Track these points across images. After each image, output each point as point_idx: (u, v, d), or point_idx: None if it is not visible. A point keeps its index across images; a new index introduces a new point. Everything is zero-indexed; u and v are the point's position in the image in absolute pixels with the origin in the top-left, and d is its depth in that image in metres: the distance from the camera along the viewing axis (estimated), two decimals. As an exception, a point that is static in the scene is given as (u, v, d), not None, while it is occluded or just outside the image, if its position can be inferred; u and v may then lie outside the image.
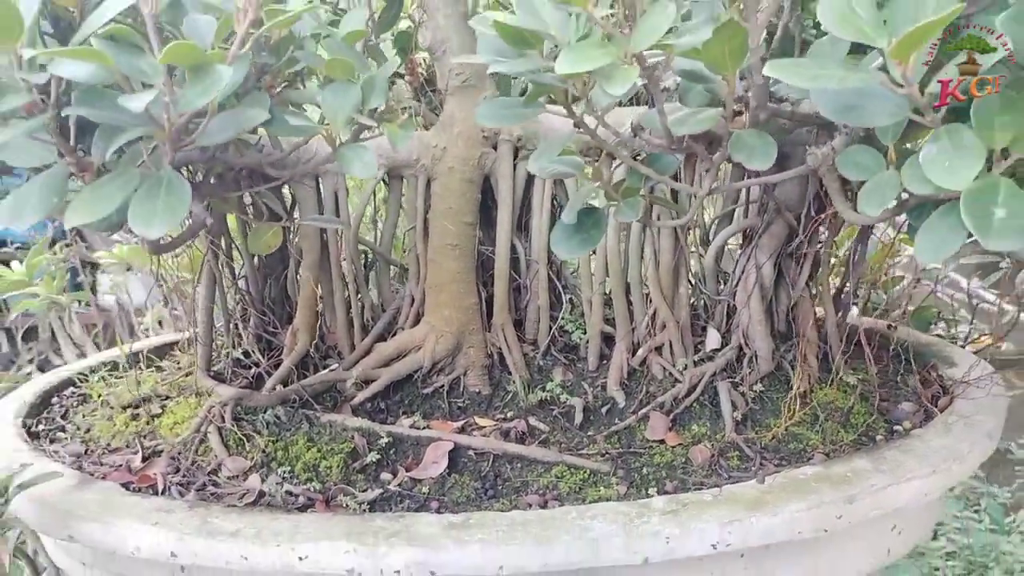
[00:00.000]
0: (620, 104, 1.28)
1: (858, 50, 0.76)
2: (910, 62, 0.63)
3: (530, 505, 0.99)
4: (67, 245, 2.96)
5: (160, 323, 2.62)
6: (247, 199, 1.26)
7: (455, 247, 1.30)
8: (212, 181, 0.97)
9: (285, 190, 1.31)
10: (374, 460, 1.10)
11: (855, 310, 1.50)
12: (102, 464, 1.13)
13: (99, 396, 1.35)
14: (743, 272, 1.28)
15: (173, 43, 0.63)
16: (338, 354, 1.34)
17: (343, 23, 0.87)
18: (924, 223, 0.69)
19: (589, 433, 1.16)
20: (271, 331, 1.38)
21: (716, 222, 1.37)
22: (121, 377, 1.42)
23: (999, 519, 2.70)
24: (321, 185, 1.28)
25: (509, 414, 1.22)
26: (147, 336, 2.49)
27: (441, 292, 1.30)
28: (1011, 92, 0.64)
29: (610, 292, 1.34)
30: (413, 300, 1.36)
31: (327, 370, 1.29)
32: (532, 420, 1.19)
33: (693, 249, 1.38)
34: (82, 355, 1.82)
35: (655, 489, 1.01)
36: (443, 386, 1.27)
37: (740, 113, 0.89)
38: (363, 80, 0.80)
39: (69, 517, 0.98)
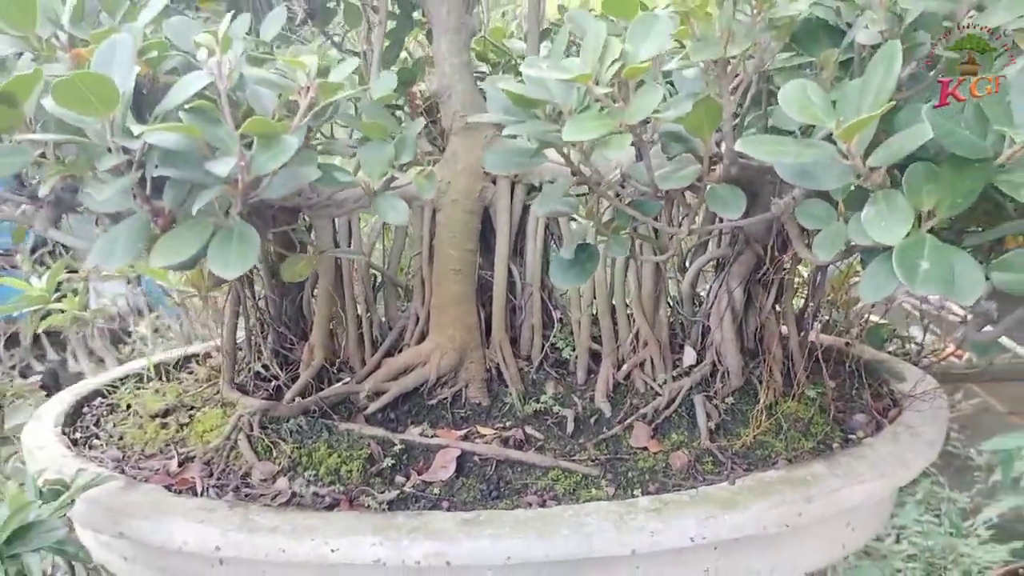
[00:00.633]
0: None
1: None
2: (854, 141, 0.77)
3: (530, 504, 1.13)
4: (49, 253, 3.06)
5: (156, 330, 2.74)
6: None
7: (458, 272, 1.43)
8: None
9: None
10: (389, 465, 1.23)
11: (817, 328, 1.65)
12: (141, 468, 1.26)
13: (128, 406, 1.47)
14: (716, 296, 1.43)
15: (252, 118, 0.76)
16: (350, 368, 1.47)
17: (374, 86, 1.00)
18: (867, 269, 0.83)
19: (580, 441, 1.30)
20: (287, 347, 1.51)
21: (692, 251, 1.51)
22: (145, 388, 1.54)
23: (958, 523, 2.86)
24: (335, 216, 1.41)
25: (508, 423, 1.35)
26: (142, 342, 2.60)
27: (445, 313, 1.44)
28: (933, 165, 0.79)
29: (597, 313, 1.48)
30: (418, 319, 1.49)
31: (341, 383, 1.42)
32: (528, 429, 1.32)
33: (671, 275, 1.52)
34: (101, 364, 1.93)
35: (640, 490, 1.15)
36: (447, 398, 1.41)
37: (714, 165, 1.04)
38: (396, 139, 0.94)
39: (120, 516, 1.10)
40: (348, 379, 1.43)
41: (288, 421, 1.31)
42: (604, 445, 1.28)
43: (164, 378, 1.59)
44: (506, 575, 1.03)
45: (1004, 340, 2.08)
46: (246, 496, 1.16)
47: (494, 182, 1.45)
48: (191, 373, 1.64)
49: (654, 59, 0.87)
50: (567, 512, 1.06)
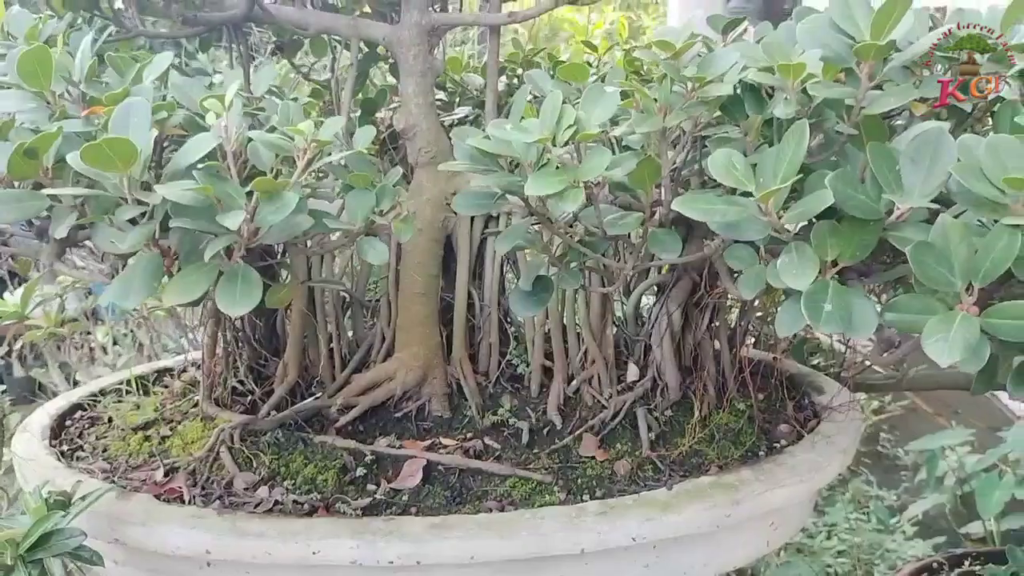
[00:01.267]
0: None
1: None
2: (770, 203, 0.92)
3: (491, 509, 1.26)
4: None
5: (114, 341, 2.80)
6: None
7: (422, 295, 1.56)
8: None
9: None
10: (362, 474, 1.35)
11: (748, 345, 1.81)
12: (129, 479, 1.35)
13: (109, 419, 1.56)
14: (657, 318, 1.58)
15: (258, 179, 0.88)
16: (321, 383, 1.59)
17: (357, 138, 1.12)
18: (781, 307, 0.98)
19: (534, 451, 1.43)
20: (262, 363, 1.62)
21: (635, 277, 1.66)
22: (124, 402, 1.64)
23: (885, 520, 3.06)
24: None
25: (468, 434, 1.48)
26: (102, 351, 2.67)
27: (410, 332, 1.56)
28: (836, 223, 0.94)
29: (549, 332, 1.62)
30: (384, 338, 1.61)
31: (314, 398, 1.53)
32: (487, 440, 1.45)
33: (617, 298, 1.67)
34: (74, 382, 2.00)
35: (588, 495, 1.29)
36: (412, 411, 1.53)
37: (656, 207, 1.18)
38: (377, 188, 1.07)
39: (117, 523, 1.20)
40: (320, 394, 1.54)
41: (266, 434, 1.42)
42: (556, 454, 1.41)
43: (141, 392, 1.68)
44: (471, 573, 1.16)
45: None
46: (231, 504, 1.27)
47: (456, 212, 1.58)
48: (167, 387, 1.73)
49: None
50: (524, 516, 1.19)
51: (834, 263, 0.96)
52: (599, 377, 1.57)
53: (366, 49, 1.68)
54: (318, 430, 1.47)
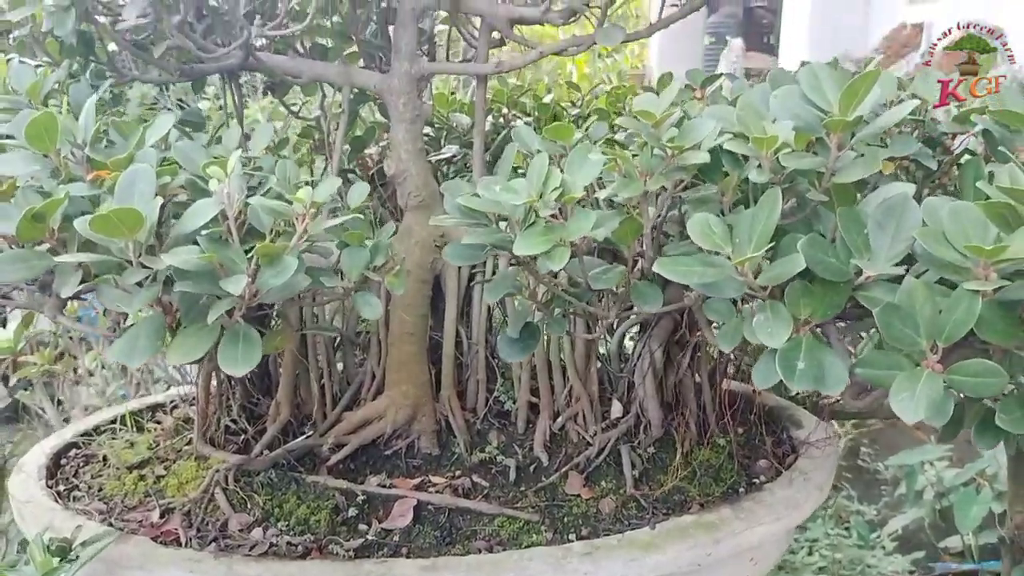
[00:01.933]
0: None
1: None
2: (746, 266, 0.97)
3: (480, 550, 1.30)
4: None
5: (102, 365, 2.82)
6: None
7: (411, 334, 1.60)
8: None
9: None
10: (353, 514, 1.39)
11: (727, 381, 1.86)
12: (126, 520, 1.39)
13: (104, 458, 1.59)
14: (639, 356, 1.63)
15: (260, 245, 0.92)
16: (312, 422, 1.62)
17: (351, 196, 1.17)
18: (758, 361, 1.03)
19: (521, 489, 1.47)
20: (254, 401, 1.65)
21: (616, 300, 1.71)
22: (117, 439, 1.67)
23: (865, 535, 3.11)
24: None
25: (457, 472, 1.52)
26: (89, 375, 2.69)
27: (400, 371, 1.60)
28: (808, 284, 0.99)
29: (535, 369, 1.66)
30: (374, 376, 1.65)
31: (305, 436, 1.57)
32: (476, 477, 1.50)
33: (601, 336, 1.72)
34: (57, 401, 2.03)
35: (574, 535, 1.34)
36: (401, 448, 1.57)
37: (637, 261, 1.23)
38: (371, 245, 1.11)
39: (115, 566, 1.24)
40: (311, 432, 1.58)
41: (259, 474, 1.45)
42: (543, 492, 1.46)
43: (135, 428, 1.71)
44: (461, 614, 1.20)
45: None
46: (227, 547, 1.30)
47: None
48: (159, 423, 1.76)
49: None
50: (512, 557, 1.24)
51: (806, 321, 1.01)
52: (584, 414, 1.62)
53: (356, 91, 1.72)
54: (310, 469, 1.51)
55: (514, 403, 1.66)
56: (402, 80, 1.54)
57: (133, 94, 1.81)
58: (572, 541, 1.30)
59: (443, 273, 1.63)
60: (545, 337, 1.65)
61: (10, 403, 3.02)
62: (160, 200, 0.95)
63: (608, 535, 1.31)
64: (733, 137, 1.04)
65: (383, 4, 1.78)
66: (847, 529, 3.11)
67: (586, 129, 1.33)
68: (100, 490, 1.50)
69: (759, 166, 1.01)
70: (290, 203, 1.00)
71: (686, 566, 1.26)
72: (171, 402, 1.84)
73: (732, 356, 1.85)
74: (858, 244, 0.99)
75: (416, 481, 1.49)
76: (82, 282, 1.04)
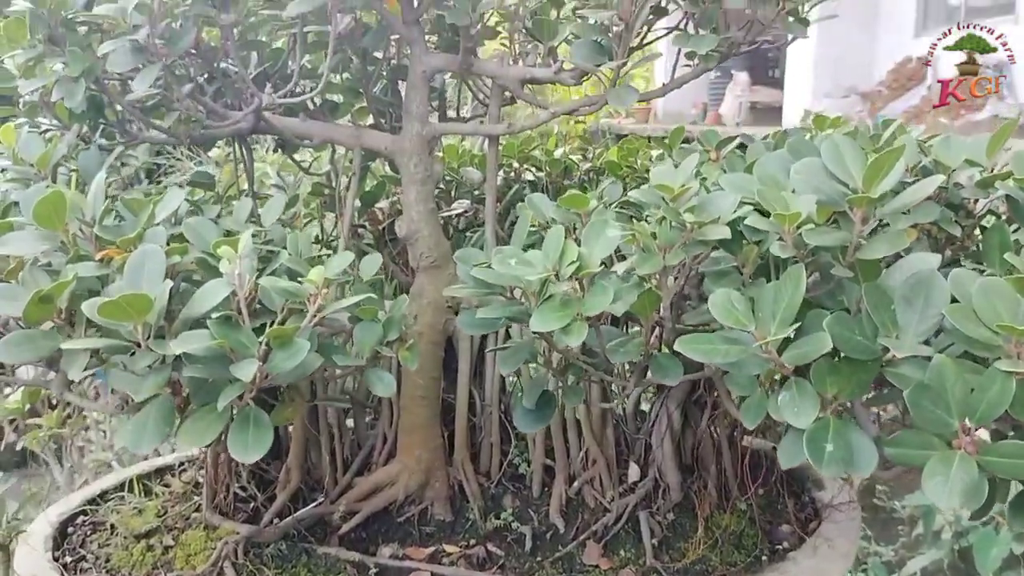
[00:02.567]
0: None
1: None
2: (769, 343, 0.94)
3: (497, 626, 1.26)
4: None
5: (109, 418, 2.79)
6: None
7: (423, 397, 1.57)
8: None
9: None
10: (366, 588, 1.35)
11: (749, 440, 1.83)
12: (133, 595, 1.35)
13: (111, 526, 1.56)
14: (657, 417, 1.60)
15: (271, 329, 0.90)
16: (323, 487, 1.59)
17: (363, 268, 1.15)
18: (783, 440, 1.00)
19: (538, 559, 1.43)
20: (263, 467, 1.62)
21: (634, 370, 1.68)
22: (125, 505, 1.63)
23: (884, 577, 3.03)
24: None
25: (471, 540, 1.49)
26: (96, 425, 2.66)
27: (412, 435, 1.57)
28: (834, 361, 0.96)
29: (550, 430, 1.63)
30: (386, 439, 1.62)
31: (315, 504, 1.53)
32: (490, 546, 1.46)
33: (617, 395, 1.68)
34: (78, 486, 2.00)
35: (594, 610, 1.30)
36: (414, 515, 1.54)
37: (656, 326, 1.21)
38: (384, 320, 1.09)
39: (122, 647, 1.20)
40: (322, 499, 1.55)
41: (269, 545, 1.42)
42: (560, 563, 1.42)
43: (142, 493, 1.68)
44: None
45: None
46: (236, 624, 1.27)
47: (456, 313, 1.60)
48: (167, 486, 1.73)
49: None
50: (530, 636, 1.20)
51: (834, 398, 0.98)
52: (601, 478, 1.58)
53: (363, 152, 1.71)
54: (321, 538, 1.48)
55: (529, 466, 1.63)
56: (413, 142, 1.52)
57: (140, 150, 1.80)
58: (592, 618, 1.27)
59: (456, 333, 1.61)
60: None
61: (18, 450, 2.99)
62: (169, 283, 0.93)
63: (629, 611, 1.27)
64: (753, 209, 1.02)
65: (393, 61, 1.78)
66: (864, 571, 3.05)
67: (600, 192, 1.31)
68: (108, 561, 1.47)
69: (780, 239, 0.98)
70: (302, 280, 0.98)
71: (710, 643, 1.22)
72: (179, 464, 1.81)
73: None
74: (885, 321, 0.96)
75: (430, 551, 1.46)
76: (91, 364, 1.02)
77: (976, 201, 1.22)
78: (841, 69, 9.34)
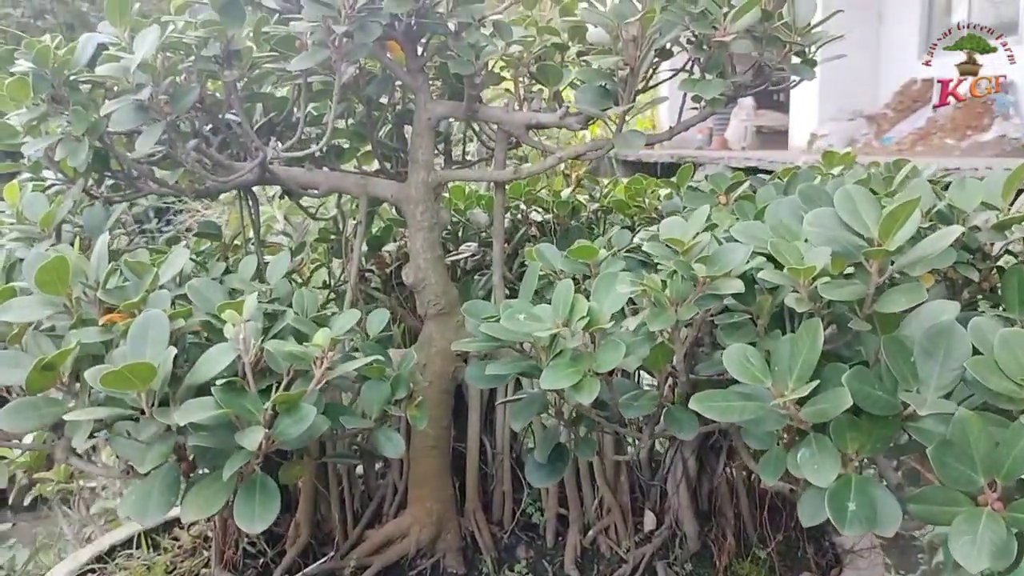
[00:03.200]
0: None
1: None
2: (786, 398, 0.92)
3: None
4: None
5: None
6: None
7: (434, 447, 1.55)
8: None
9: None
10: (378, 648, 1.32)
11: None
12: (141, 659, 1.33)
13: (119, 584, 1.54)
14: (672, 463, 1.57)
15: (278, 395, 0.88)
16: (333, 540, 1.56)
17: (370, 324, 1.13)
18: (803, 497, 0.97)
19: (553, 614, 1.41)
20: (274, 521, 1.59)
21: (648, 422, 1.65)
22: (134, 559, 1.61)
23: (904, 609, 2.97)
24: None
25: (485, 595, 1.46)
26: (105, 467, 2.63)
27: (423, 487, 1.54)
28: (855, 417, 0.94)
29: (563, 478, 1.60)
30: (396, 490, 1.60)
31: (326, 558, 1.51)
32: (505, 601, 1.43)
33: (630, 442, 1.66)
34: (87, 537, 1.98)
35: (612, 668, 1.27)
36: (426, 568, 1.51)
37: (669, 377, 1.18)
38: (392, 378, 1.07)
39: None
40: (332, 553, 1.52)
41: (280, 604, 1.39)
42: (576, 618, 1.39)
43: (151, 548, 1.66)
44: None
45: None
46: None
47: (465, 361, 1.58)
48: (176, 540, 1.71)
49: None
50: None
51: (857, 454, 0.95)
52: (616, 527, 1.55)
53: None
54: (332, 594, 1.45)
55: (542, 515, 1.60)
56: (419, 189, 1.51)
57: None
58: (610, 677, 1.23)
59: (465, 381, 1.59)
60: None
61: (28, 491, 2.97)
62: (173, 351, 0.91)
63: (648, 669, 1.24)
64: (766, 260, 1.00)
65: (398, 106, 1.77)
66: (885, 602, 2.98)
67: (609, 240, 1.29)
68: (115, 622, 1.44)
69: (795, 291, 0.96)
70: (307, 342, 0.96)
71: None
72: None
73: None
74: (905, 373, 0.93)
75: (443, 606, 1.43)
76: (95, 430, 1.00)
77: (993, 244, 1.20)
78: (846, 92, 9.33)
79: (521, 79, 1.55)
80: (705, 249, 1.00)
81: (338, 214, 1.94)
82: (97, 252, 1.06)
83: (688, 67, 1.47)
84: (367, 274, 1.95)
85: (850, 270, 0.99)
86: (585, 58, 1.43)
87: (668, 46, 1.42)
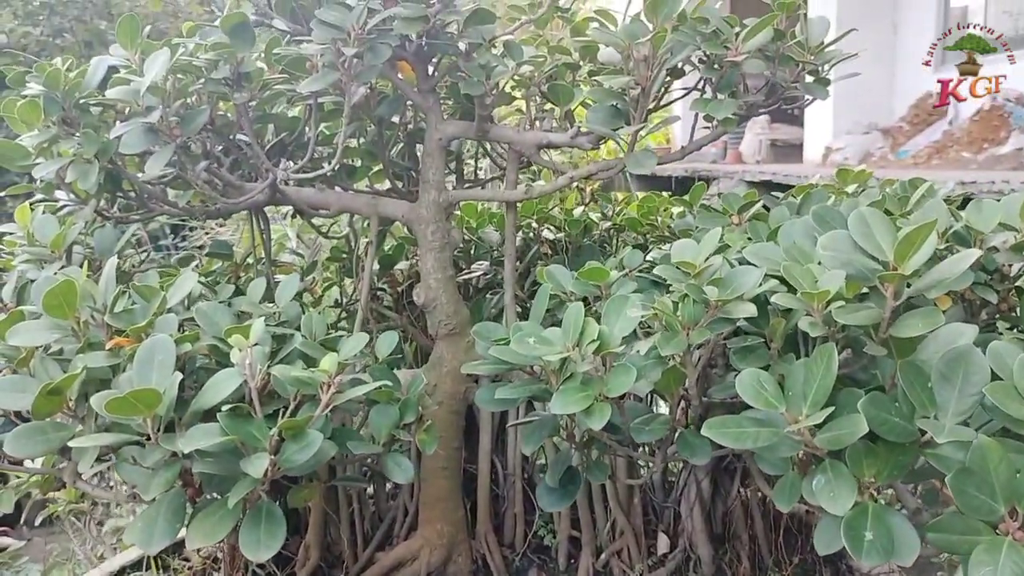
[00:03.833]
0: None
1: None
2: (801, 424, 0.90)
3: None
4: None
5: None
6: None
7: (444, 468, 1.54)
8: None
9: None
10: (388, 673, 1.30)
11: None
12: None
13: (129, 607, 1.53)
14: (685, 485, 1.55)
15: (284, 421, 0.87)
16: (342, 564, 1.55)
17: (379, 347, 1.12)
18: (819, 525, 0.95)
19: (565, 638, 1.39)
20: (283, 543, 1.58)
21: (660, 445, 1.63)
22: (143, 583, 1.60)
23: (924, 628, 2.93)
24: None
25: (496, 619, 1.44)
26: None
27: (434, 508, 1.53)
28: (871, 443, 0.92)
29: (576, 500, 1.58)
30: (407, 511, 1.58)
31: (336, 581, 1.50)
32: (516, 626, 1.41)
33: (643, 463, 1.64)
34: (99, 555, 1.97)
35: None
36: (437, 592, 1.49)
37: (681, 401, 1.17)
38: (401, 402, 1.06)
39: None
40: (343, 576, 1.51)
41: (289, 629, 1.38)
42: (588, 644, 1.37)
43: (160, 569, 1.65)
44: None
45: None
46: None
47: (476, 381, 1.57)
48: (186, 561, 1.70)
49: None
50: None
51: (872, 482, 0.93)
52: (629, 549, 1.53)
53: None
54: (342, 618, 1.44)
55: (554, 537, 1.58)
56: (430, 209, 1.51)
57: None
58: None
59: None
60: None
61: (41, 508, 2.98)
62: (179, 376, 0.91)
63: None
64: (780, 283, 0.98)
65: (409, 125, 1.77)
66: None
67: (620, 261, 1.28)
68: (124, 645, 1.43)
69: (809, 315, 0.95)
70: (315, 365, 0.96)
71: None
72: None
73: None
74: (923, 399, 0.92)
75: (453, 630, 1.41)
76: (102, 455, 1.00)
77: (1011, 265, 1.18)
78: (861, 106, 9.29)
79: (532, 99, 1.55)
80: (717, 272, 0.99)
81: (350, 233, 1.94)
82: (105, 275, 1.06)
83: (700, 86, 1.46)
84: (379, 293, 1.94)
85: (864, 291, 0.98)
86: (596, 78, 1.42)
87: (680, 65, 1.42)
